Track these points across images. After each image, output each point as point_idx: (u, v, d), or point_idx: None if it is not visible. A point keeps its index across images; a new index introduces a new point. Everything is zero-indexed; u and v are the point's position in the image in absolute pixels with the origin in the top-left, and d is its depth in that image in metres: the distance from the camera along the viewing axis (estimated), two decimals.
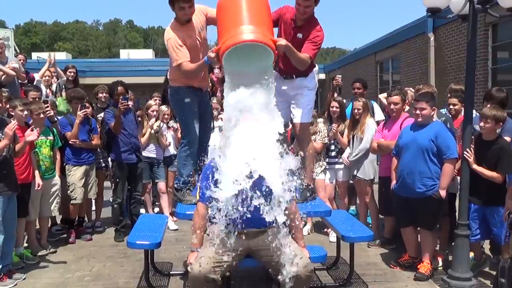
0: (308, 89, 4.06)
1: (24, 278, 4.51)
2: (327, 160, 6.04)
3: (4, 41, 6.87)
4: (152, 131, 6.36)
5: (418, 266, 4.56)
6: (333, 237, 5.76)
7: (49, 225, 5.79)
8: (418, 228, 4.68)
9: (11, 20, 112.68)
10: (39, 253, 5.12)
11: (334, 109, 6.03)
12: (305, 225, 5.90)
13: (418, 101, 4.52)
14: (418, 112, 4.46)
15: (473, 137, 4.42)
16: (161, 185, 6.49)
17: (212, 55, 3.55)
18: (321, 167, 5.94)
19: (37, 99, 5.76)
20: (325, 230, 6.02)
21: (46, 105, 5.47)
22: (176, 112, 4.31)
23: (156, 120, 6.45)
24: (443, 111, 5.36)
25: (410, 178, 4.45)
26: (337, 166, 6.01)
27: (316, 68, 4.50)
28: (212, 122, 4.52)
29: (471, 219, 4.43)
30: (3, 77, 6.26)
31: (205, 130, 4.39)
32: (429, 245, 4.55)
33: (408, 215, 4.60)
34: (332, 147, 6.02)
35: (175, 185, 4.28)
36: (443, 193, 4.37)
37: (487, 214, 4.37)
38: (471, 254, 4.58)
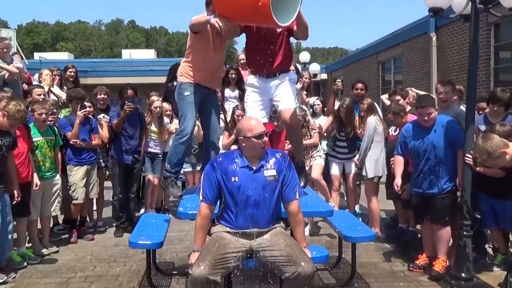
0: (290, 81, 4.13)
1: (14, 277, 4.51)
2: (338, 156, 6.14)
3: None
4: (173, 130, 6.57)
5: (433, 264, 4.54)
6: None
7: (51, 225, 5.80)
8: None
9: (13, 20, 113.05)
10: (41, 253, 5.12)
11: (343, 114, 6.05)
12: (306, 225, 5.91)
13: (424, 107, 4.44)
14: (426, 118, 4.45)
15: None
16: (155, 179, 6.64)
17: None
18: (319, 151, 6.00)
19: (42, 96, 5.78)
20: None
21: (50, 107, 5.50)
22: (177, 105, 4.37)
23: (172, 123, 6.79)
24: None
25: (428, 177, 4.47)
26: (345, 161, 6.12)
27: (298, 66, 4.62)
28: (220, 123, 4.59)
29: (485, 210, 4.46)
30: (6, 75, 6.29)
31: (211, 131, 4.42)
32: (444, 241, 4.52)
33: (425, 212, 4.59)
34: (345, 143, 6.07)
35: (163, 173, 4.37)
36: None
37: (497, 206, 4.37)
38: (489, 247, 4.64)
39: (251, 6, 3.33)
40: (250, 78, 4.23)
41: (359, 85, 6.52)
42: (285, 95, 4.05)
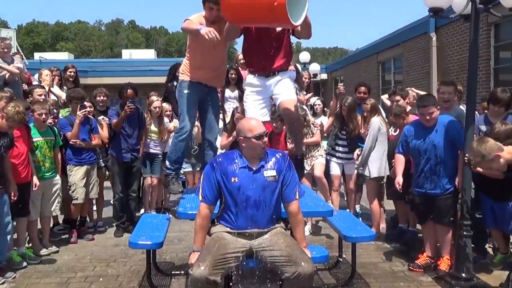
0: (289, 79, 4.14)
1: (15, 277, 4.52)
2: (337, 155, 6.15)
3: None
4: (172, 129, 6.63)
5: (439, 263, 4.56)
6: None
7: (51, 225, 5.79)
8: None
9: (13, 21, 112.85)
10: (41, 253, 5.12)
11: (345, 113, 6.07)
12: (305, 225, 5.91)
13: (426, 106, 4.46)
14: (428, 117, 4.45)
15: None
16: (154, 180, 6.68)
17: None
18: (319, 151, 6.03)
19: (43, 96, 5.77)
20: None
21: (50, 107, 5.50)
22: (177, 103, 4.40)
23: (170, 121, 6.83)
24: None
25: (430, 177, 4.47)
26: (344, 162, 6.09)
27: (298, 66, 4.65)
28: (218, 123, 4.61)
29: (485, 211, 4.45)
30: (7, 75, 6.28)
31: (207, 130, 4.43)
32: (448, 241, 4.53)
33: (428, 212, 4.61)
34: (345, 142, 6.07)
35: (164, 171, 4.47)
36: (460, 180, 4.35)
37: (496, 208, 4.37)
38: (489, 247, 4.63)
39: (266, 7, 3.31)
40: (249, 78, 4.22)
41: (362, 89, 6.55)
42: (285, 88, 4.06)
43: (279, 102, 4.10)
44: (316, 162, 5.95)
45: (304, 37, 4.03)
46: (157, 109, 6.59)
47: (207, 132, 4.46)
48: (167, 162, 4.34)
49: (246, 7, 3.47)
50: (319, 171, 5.90)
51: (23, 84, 6.73)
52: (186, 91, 4.19)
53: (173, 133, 6.67)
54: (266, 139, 3.31)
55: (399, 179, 4.69)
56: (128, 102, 5.90)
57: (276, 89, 4.09)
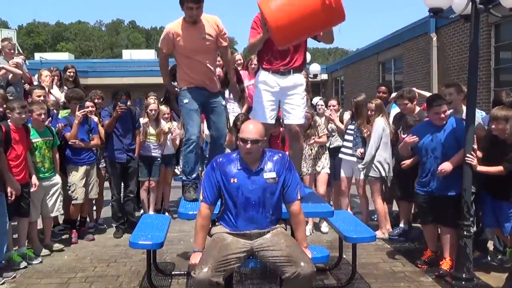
0: (302, 87, 4.04)
1: (15, 277, 4.52)
2: (344, 151, 6.15)
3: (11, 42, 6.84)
4: (166, 130, 6.62)
5: (440, 263, 4.56)
6: (325, 227, 5.90)
7: (52, 225, 5.79)
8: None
9: (13, 21, 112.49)
10: (42, 253, 5.12)
11: (353, 109, 6.09)
12: (306, 225, 5.91)
13: (439, 105, 4.47)
14: (442, 115, 4.46)
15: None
16: (152, 183, 6.69)
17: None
18: (326, 159, 6.02)
19: (42, 97, 5.77)
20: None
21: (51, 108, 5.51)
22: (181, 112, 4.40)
23: (166, 122, 6.76)
24: None
25: (436, 177, 4.47)
26: (351, 158, 6.04)
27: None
28: (227, 122, 4.59)
29: (486, 209, 4.45)
30: (10, 76, 6.25)
31: (215, 132, 4.42)
32: (450, 241, 4.52)
33: (431, 212, 4.61)
34: (351, 137, 6.06)
35: (183, 182, 4.44)
36: (446, 165, 4.34)
37: (496, 207, 4.37)
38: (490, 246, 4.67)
39: (324, 9, 3.34)
40: (263, 75, 4.02)
41: (382, 88, 6.67)
42: (297, 108, 3.99)
43: (287, 123, 4.08)
44: (321, 175, 5.95)
45: (327, 41, 3.95)
46: (153, 112, 6.57)
47: (215, 136, 4.43)
48: (183, 176, 4.33)
49: (304, 19, 3.40)
50: (322, 189, 5.92)
51: (25, 84, 6.71)
52: (185, 101, 4.19)
53: (170, 135, 6.69)
54: (249, 145, 3.19)
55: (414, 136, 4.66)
56: (119, 103, 5.88)
57: (288, 104, 3.99)
